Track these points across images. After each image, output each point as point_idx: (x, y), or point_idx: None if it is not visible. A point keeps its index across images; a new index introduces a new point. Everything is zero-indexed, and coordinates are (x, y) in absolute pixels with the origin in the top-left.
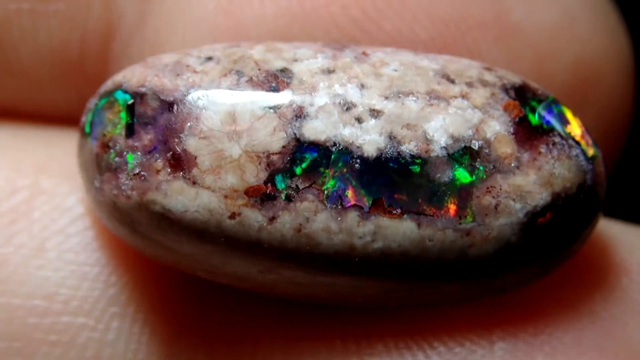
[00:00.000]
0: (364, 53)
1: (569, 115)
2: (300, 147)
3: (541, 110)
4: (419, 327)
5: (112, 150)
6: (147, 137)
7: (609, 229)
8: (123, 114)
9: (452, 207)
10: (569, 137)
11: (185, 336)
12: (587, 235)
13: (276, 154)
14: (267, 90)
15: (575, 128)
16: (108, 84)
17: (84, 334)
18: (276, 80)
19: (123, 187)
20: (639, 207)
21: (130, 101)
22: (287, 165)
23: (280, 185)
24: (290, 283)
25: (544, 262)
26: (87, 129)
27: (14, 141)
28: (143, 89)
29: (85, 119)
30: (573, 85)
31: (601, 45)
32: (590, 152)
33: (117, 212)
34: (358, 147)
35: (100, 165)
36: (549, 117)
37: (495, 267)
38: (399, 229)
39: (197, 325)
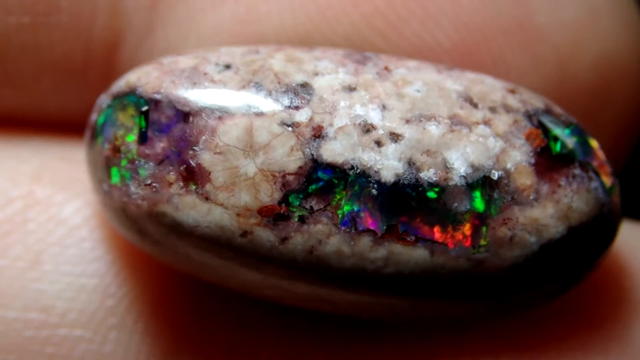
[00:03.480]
0: (386, 68)
1: (591, 143)
2: (316, 168)
3: (564, 139)
4: (423, 345)
5: (123, 157)
6: (160, 146)
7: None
8: (137, 119)
9: (467, 237)
10: (589, 167)
11: (184, 347)
12: (600, 261)
13: (292, 174)
14: (286, 107)
15: (596, 157)
16: (121, 85)
17: (81, 346)
18: (296, 96)
19: (133, 196)
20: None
21: (145, 108)
22: (303, 186)
23: (294, 207)
24: (298, 296)
25: (554, 288)
26: (98, 129)
27: (7, 150)
28: (158, 96)
29: (96, 117)
30: (596, 83)
31: (625, 41)
32: (609, 182)
33: (125, 218)
34: (376, 172)
35: (110, 169)
36: (571, 146)
37: (504, 292)
38: (411, 256)
39: (197, 336)
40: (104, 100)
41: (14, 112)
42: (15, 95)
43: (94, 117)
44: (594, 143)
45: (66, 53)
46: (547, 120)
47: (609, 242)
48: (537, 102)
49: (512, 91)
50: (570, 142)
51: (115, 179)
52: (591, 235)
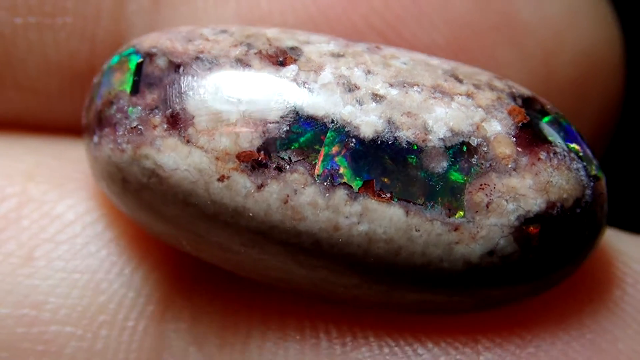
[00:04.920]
0: (377, 47)
1: (576, 131)
2: (298, 119)
3: (547, 122)
4: (404, 330)
5: (114, 106)
6: (150, 97)
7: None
8: (130, 72)
9: (443, 200)
10: (572, 151)
11: (175, 341)
12: (583, 256)
13: (273, 122)
14: (273, 63)
15: (579, 144)
16: (123, 47)
17: (71, 343)
18: (284, 55)
19: (119, 141)
20: (632, 214)
21: (140, 60)
22: (283, 136)
23: (273, 155)
24: (272, 263)
25: (535, 277)
26: (96, 89)
27: (2, 149)
28: (154, 50)
29: (97, 79)
30: (577, 78)
31: (601, 36)
32: (593, 171)
33: (110, 168)
34: (355, 127)
35: (101, 120)
36: (553, 130)
37: (482, 274)
38: (386, 214)
39: (187, 326)
40: (106, 63)
41: (19, 115)
42: (21, 98)
43: (95, 80)
44: (580, 136)
45: (71, 54)
46: (531, 105)
47: (594, 234)
48: (523, 90)
49: (500, 78)
50: (553, 127)
51: (106, 127)
52: (571, 218)
